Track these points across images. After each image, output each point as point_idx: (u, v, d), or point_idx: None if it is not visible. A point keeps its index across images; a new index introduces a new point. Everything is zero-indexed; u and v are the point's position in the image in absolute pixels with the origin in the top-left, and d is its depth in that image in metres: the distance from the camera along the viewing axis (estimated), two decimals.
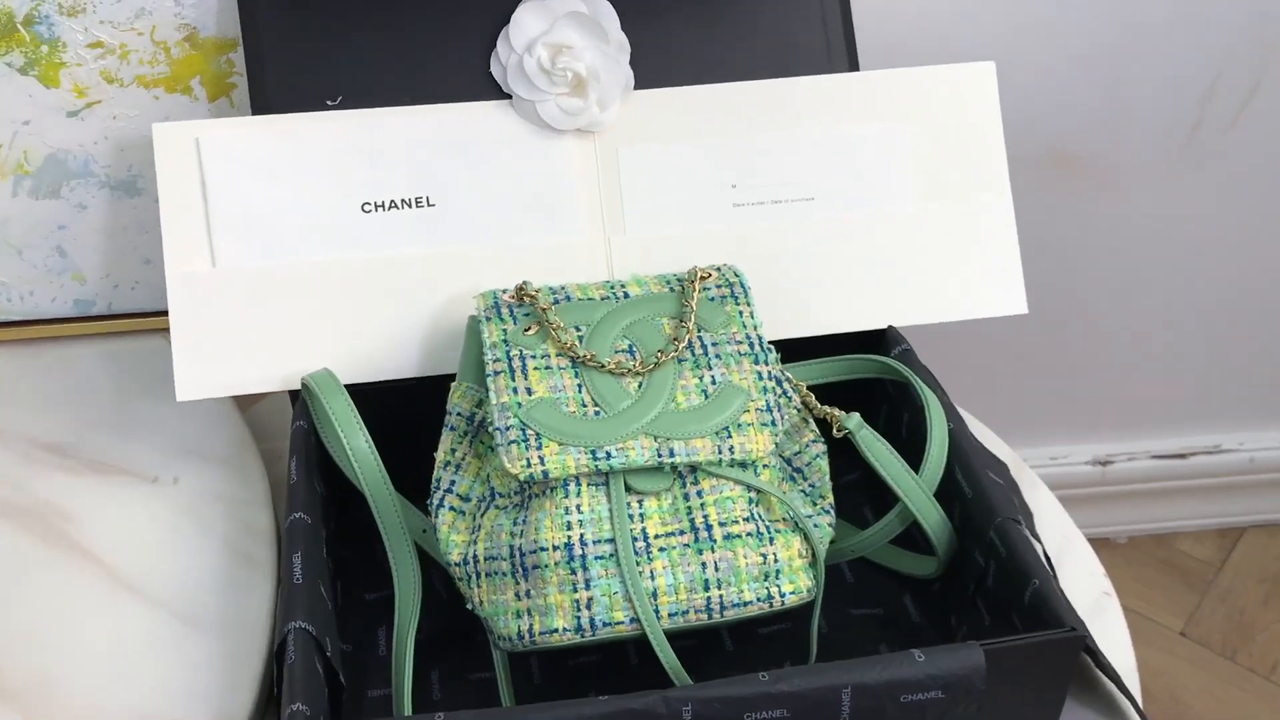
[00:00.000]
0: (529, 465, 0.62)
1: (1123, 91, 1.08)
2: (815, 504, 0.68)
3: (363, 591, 0.75)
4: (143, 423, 0.81)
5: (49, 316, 0.87)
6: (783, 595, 0.62)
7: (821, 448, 0.69)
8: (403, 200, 0.75)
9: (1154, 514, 1.39)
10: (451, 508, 0.66)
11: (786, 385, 0.69)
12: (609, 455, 0.62)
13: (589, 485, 0.62)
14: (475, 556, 0.64)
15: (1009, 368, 1.26)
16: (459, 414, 0.68)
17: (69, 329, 0.87)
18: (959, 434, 0.70)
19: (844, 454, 0.72)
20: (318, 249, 0.74)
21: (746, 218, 0.77)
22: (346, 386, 0.71)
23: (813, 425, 0.70)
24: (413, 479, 0.71)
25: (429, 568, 0.71)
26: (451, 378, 0.70)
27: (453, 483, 0.66)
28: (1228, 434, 1.34)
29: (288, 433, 0.74)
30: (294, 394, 0.74)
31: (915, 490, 0.67)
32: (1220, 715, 1.23)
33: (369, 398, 0.72)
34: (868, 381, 0.78)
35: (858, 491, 0.80)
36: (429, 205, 0.75)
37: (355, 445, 0.68)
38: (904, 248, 0.78)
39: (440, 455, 0.67)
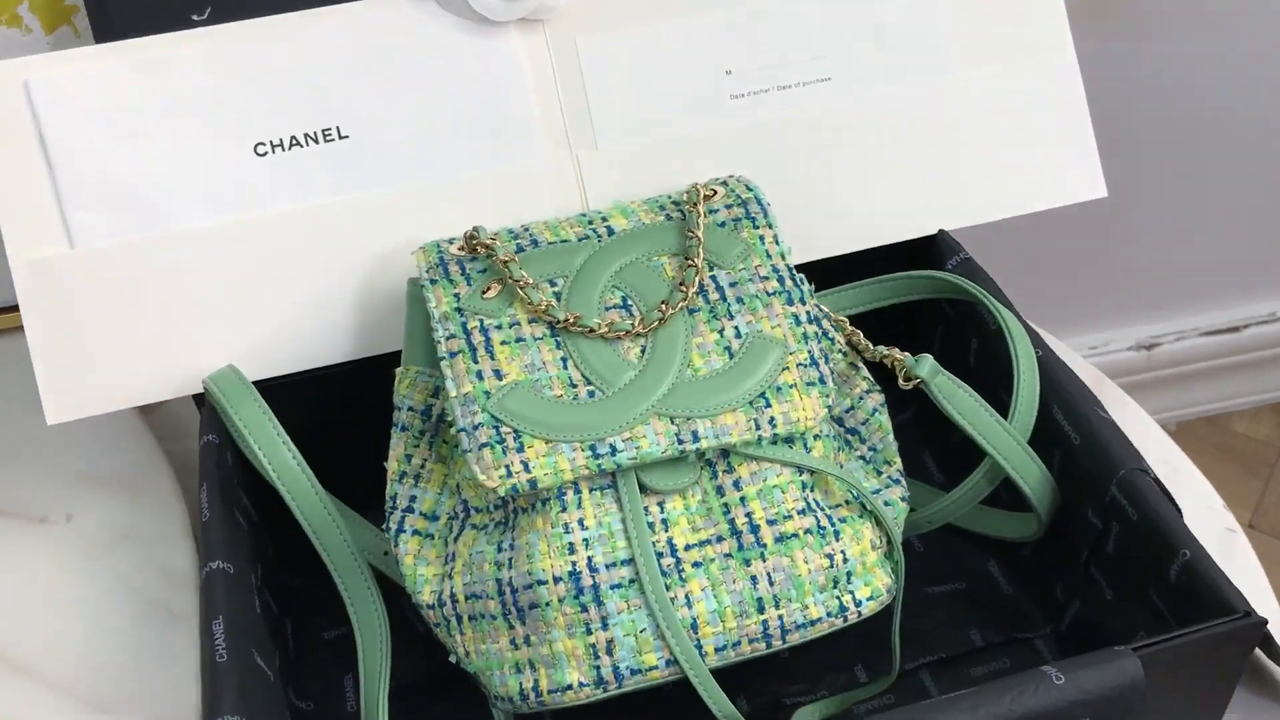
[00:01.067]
0: (509, 474, 0.46)
1: None
2: (880, 473, 0.53)
3: (320, 629, 0.60)
4: (20, 446, 0.65)
5: None
6: (858, 604, 0.48)
7: (879, 399, 0.54)
8: (306, 135, 0.58)
9: (1204, 395, 1.26)
10: (415, 531, 0.51)
11: (827, 324, 0.53)
12: (614, 449, 0.47)
13: (592, 491, 0.47)
14: (453, 595, 0.49)
15: (1037, 249, 1.10)
16: (410, 409, 0.52)
17: None
18: (1051, 363, 0.55)
19: (888, 387, 0.57)
20: (203, 211, 0.57)
21: (748, 112, 0.61)
22: (262, 384, 0.55)
23: (864, 371, 0.55)
24: (361, 488, 0.56)
25: (397, 595, 0.56)
26: (396, 357, 0.54)
27: (413, 499, 0.51)
28: None
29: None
30: (199, 398, 0.58)
31: (1009, 445, 0.52)
32: None
33: (293, 393, 0.57)
34: (911, 306, 0.62)
35: (911, 433, 0.65)
36: (340, 138, 0.58)
37: (278, 462, 0.52)
38: (949, 130, 0.62)
39: (393, 465, 0.52)
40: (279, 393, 0.56)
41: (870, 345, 0.54)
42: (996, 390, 0.55)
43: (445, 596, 0.49)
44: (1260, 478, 1.22)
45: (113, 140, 0.56)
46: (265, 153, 0.57)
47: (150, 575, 0.59)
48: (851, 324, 0.56)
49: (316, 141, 0.58)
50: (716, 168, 0.59)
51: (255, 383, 0.56)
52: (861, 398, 0.54)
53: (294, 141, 0.58)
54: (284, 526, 0.61)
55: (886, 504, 0.51)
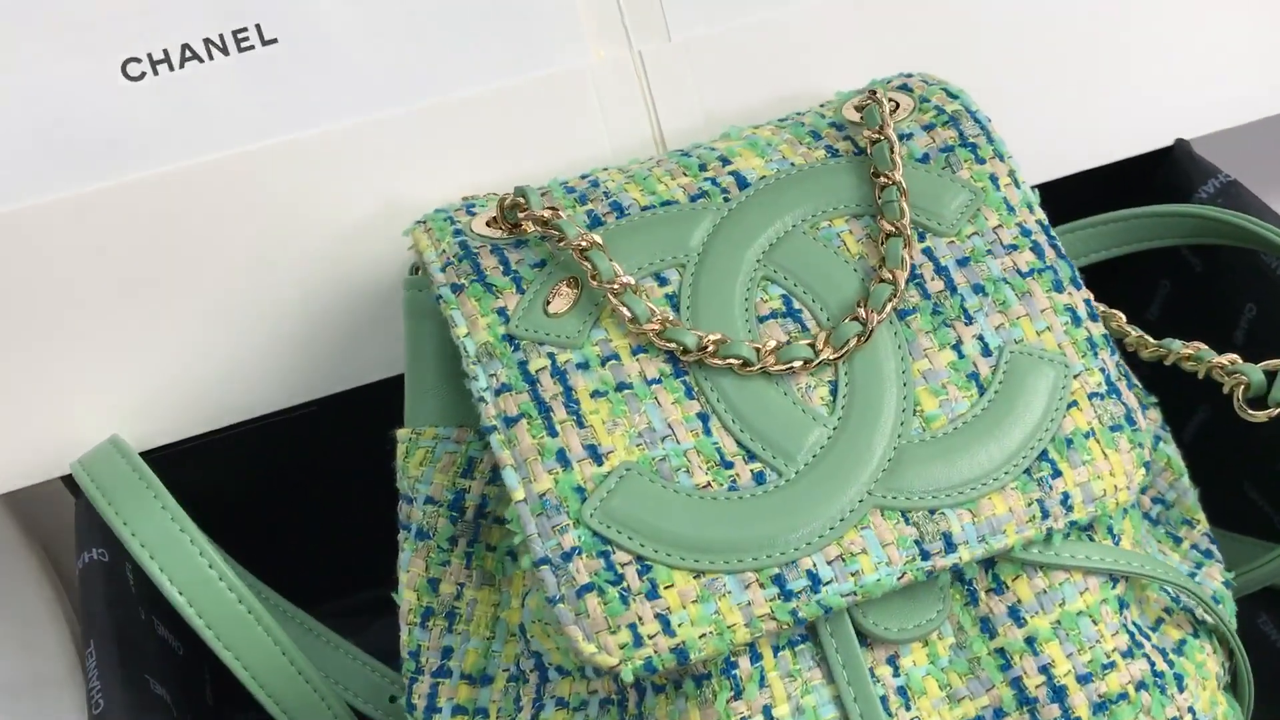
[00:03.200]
0: (637, 641, 0.26)
1: None
2: (1178, 540, 0.33)
3: None
4: None
5: None
6: None
7: (1157, 418, 0.35)
8: (206, 41, 0.35)
9: None
10: (459, 709, 0.30)
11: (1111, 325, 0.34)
12: (815, 578, 0.27)
13: (779, 653, 0.27)
14: None
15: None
16: (430, 500, 0.31)
17: None
18: None
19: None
20: (48, 179, 0.34)
21: None
22: (162, 453, 0.34)
23: (1134, 380, 0.35)
24: (338, 586, 0.36)
25: None
26: (379, 388, 0.33)
27: (448, 653, 0.30)
28: None
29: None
30: (72, 484, 0.36)
31: None
32: None
33: (215, 461, 0.35)
34: (1128, 258, 0.42)
35: (1206, 453, 0.44)
36: (263, 43, 0.36)
37: (190, 581, 0.31)
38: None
39: (408, 598, 0.31)
40: (190, 463, 0.35)
41: (1151, 340, 0.34)
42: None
43: None
44: None
45: None
46: (142, 73, 0.35)
47: None
48: None
49: (224, 51, 0.35)
50: (846, 62, 0.38)
51: (154, 451, 0.34)
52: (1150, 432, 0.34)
53: (189, 54, 0.35)
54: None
55: (1214, 598, 0.32)
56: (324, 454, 0.37)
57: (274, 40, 0.36)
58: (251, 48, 0.36)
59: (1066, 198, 0.41)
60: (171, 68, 0.35)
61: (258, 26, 0.36)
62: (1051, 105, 0.42)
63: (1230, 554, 0.36)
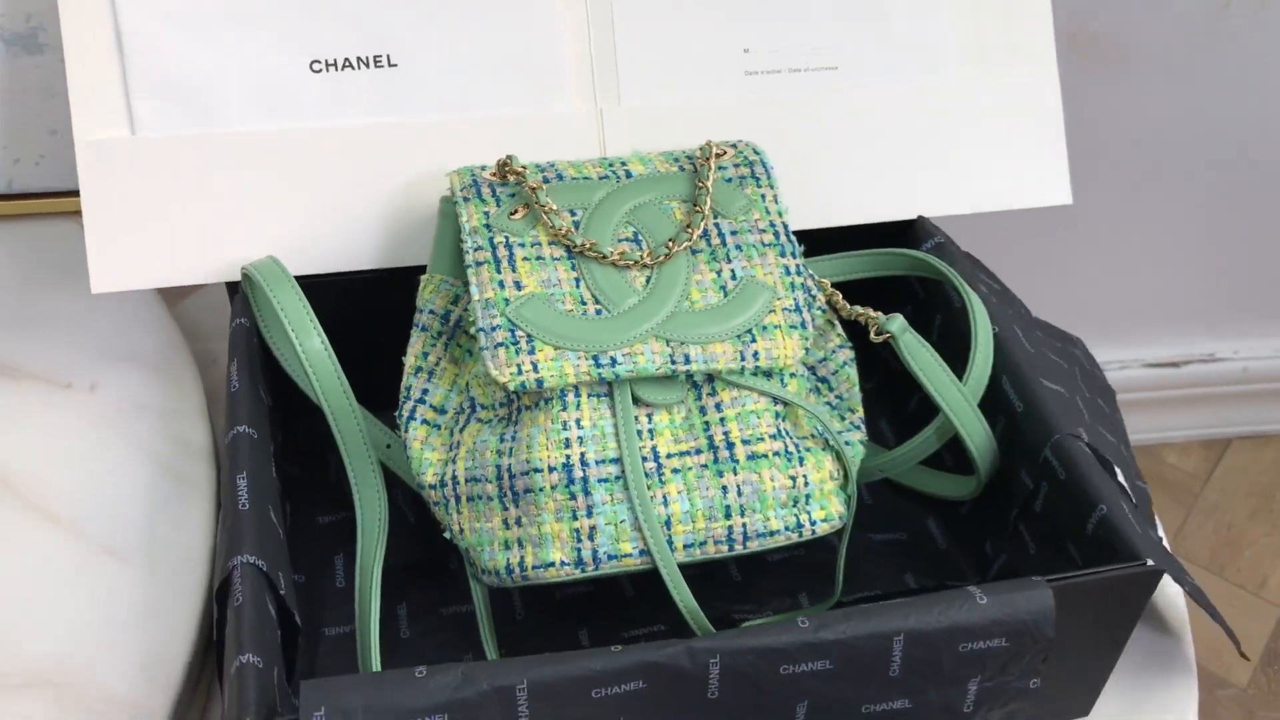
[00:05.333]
0: (520, 372, 0.52)
1: None
2: (843, 418, 0.59)
3: (315, 514, 0.65)
4: (53, 320, 0.70)
5: None
6: (813, 523, 0.54)
7: (849, 354, 0.61)
8: (358, 59, 0.63)
9: (1142, 425, 1.34)
10: (425, 421, 0.56)
11: (810, 282, 0.60)
12: (614, 361, 0.53)
13: (590, 396, 0.53)
14: (454, 478, 0.54)
15: (1002, 263, 1.17)
16: (431, 312, 0.57)
17: None
18: (1008, 337, 0.61)
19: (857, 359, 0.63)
20: (258, 116, 0.62)
21: (760, 88, 0.67)
22: (295, 279, 0.60)
23: (839, 329, 0.61)
24: (373, 389, 0.61)
25: (394, 486, 0.62)
26: (419, 270, 0.60)
27: (425, 392, 0.57)
28: (1223, 342, 1.27)
29: (225, 332, 0.63)
30: (232, 287, 0.63)
31: (961, 403, 0.58)
32: (1208, 631, 1.18)
33: (321, 293, 0.62)
34: (884, 281, 0.69)
35: (873, 402, 0.71)
36: (389, 65, 0.63)
37: (309, 347, 0.57)
38: (937, 126, 0.69)
39: (410, 360, 0.57)
40: (307, 290, 0.61)
41: (848, 305, 0.61)
42: (954, 366, 0.61)
43: (447, 478, 0.54)
44: (1184, 506, 1.30)
45: (182, 41, 0.61)
46: (320, 70, 0.63)
47: (166, 444, 0.64)
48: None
49: (367, 66, 0.63)
50: (725, 134, 0.66)
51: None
52: (834, 351, 0.60)
53: (346, 63, 0.63)
54: (290, 418, 0.67)
55: (846, 443, 0.57)
56: (383, 300, 0.64)
57: (395, 65, 0.64)
58: (382, 66, 0.64)
59: (859, 238, 0.68)
60: (338, 70, 0.63)
61: (388, 55, 0.63)
62: (851, 183, 0.68)
63: (869, 449, 0.62)
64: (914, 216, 0.68)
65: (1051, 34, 0.70)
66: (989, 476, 0.61)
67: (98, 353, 0.68)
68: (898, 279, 0.68)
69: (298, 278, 0.61)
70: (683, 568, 0.53)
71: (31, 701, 0.52)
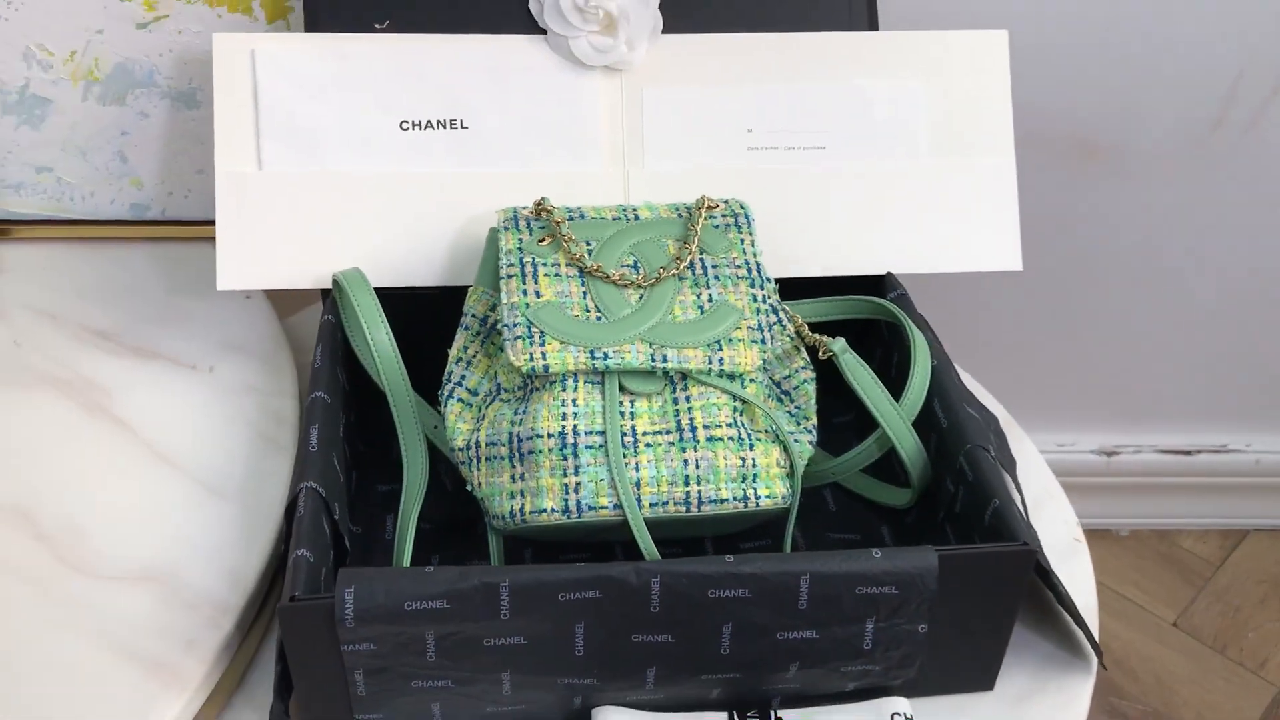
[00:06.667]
0: (531, 359, 0.67)
1: (1145, 83, 1.11)
2: (799, 424, 0.72)
3: (375, 483, 0.80)
4: (186, 317, 0.87)
5: (108, 218, 0.93)
6: (758, 498, 0.67)
7: (810, 374, 0.74)
8: (438, 121, 0.80)
9: (1157, 509, 1.42)
10: (460, 399, 0.71)
11: (782, 314, 0.73)
12: (606, 356, 0.67)
13: (586, 382, 0.67)
14: (478, 443, 0.69)
15: (1022, 351, 1.29)
16: (473, 315, 0.73)
17: (125, 230, 0.93)
18: (943, 372, 0.74)
19: (839, 395, 0.76)
20: (356, 160, 0.79)
21: (760, 161, 0.82)
22: (374, 287, 0.76)
23: (804, 354, 0.74)
24: (429, 382, 0.77)
25: (437, 463, 0.77)
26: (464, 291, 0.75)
27: (463, 377, 0.71)
28: (1235, 434, 1.36)
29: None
30: (325, 294, 0.79)
31: (893, 416, 0.71)
32: (1205, 704, 1.25)
33: (394, 301, 0.77)
34: (863, 324, 0.82)
35: (849, 432, 0.84)
36: (462, 128, 0.80)
37: (376, 338, 0.73)
38: (908, 200, 0.82)
39: (454, 352, 0.72)
40: (382, 298, 0.77)
41: (810, 333, 0.74)
42: (903, 391, 0.74)
43: (472, 443, 0.69)
44: (1194, 587, 1.38)
45: (303, 99, 0.79)
46: (407, 128, 0.80)
47: (265, 416, 0.80)
48: (811, 330, 0.76)
49: (445, 128, 0.80)
50: (727, 194, 0.80)
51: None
52: (797, 370, 0.74)
53: (428, 124, 0.80)
54: (363, 405, 0.82)
55: (796, 441, 0.70)
56: (441, 311, 0.79)
57: (467, 128, 0.80)
58: (457, 129, 0.80)
59: (832, 286, 0.82)
60: (421, 129, 0.80)
61: (460, 120, 0.80)
62: (832, 241, 0.82)
63: (825, 459, 0.75)
64: (884, 272, 0.82)
65: (1011, 130, 0.83)
66: (922, 486, 0.73)
67: (219, 343, 0.85)
68: (872, 325, 0.81)
69: (377, 288, 0.77)
70: (660, 542, 0.66)
71: (141, 593, 0.68)
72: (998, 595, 0.65)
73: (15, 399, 0.79)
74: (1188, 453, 1.36)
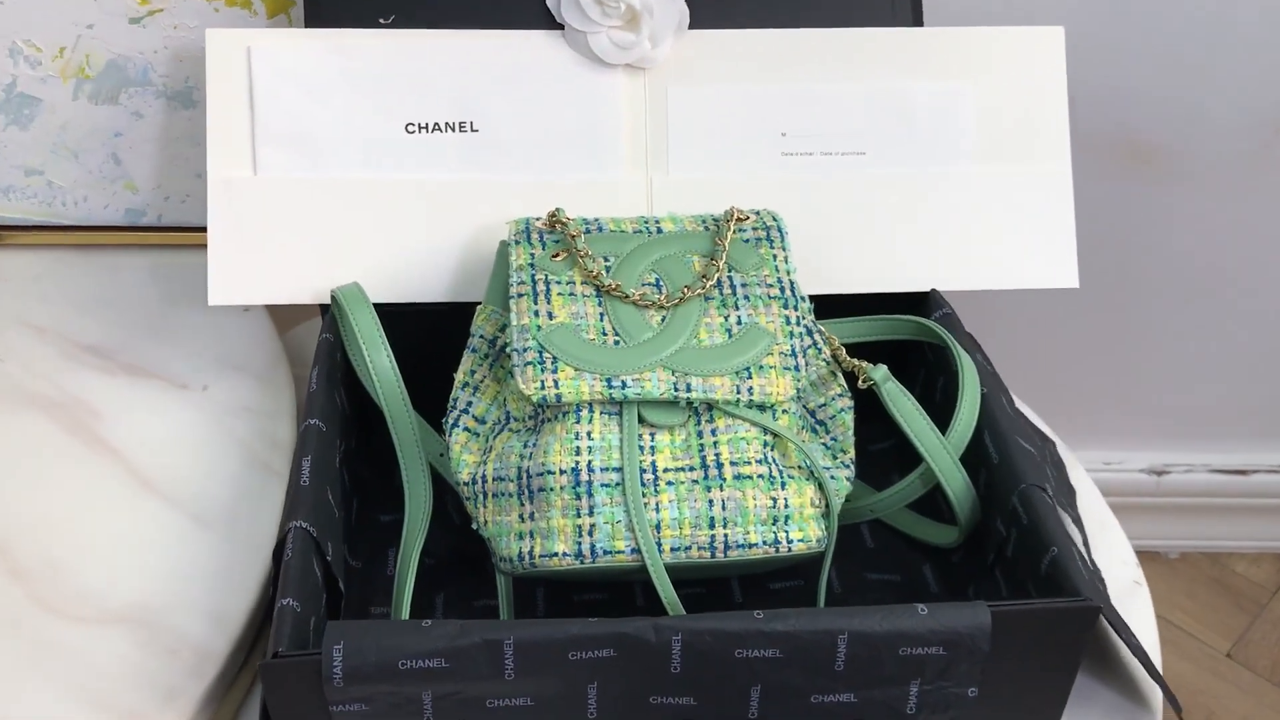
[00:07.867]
0: (543, 387, 0.61)
1: (1204, 83, 1.04)
2: (835, 458, 0.66)
3: (378, 513, 0.74)
4: (180, 332, 0.82)
5: (101, 224, 0.88)
6: (790, 542, 0.61)
7: (848, 402, 0.68)
8: (446, 124, 0.74)
9: (1208, 531, 1.35)
10: (466, 428, 0.65)
11: (817, 336, 0.67)
12: (624, 385, 0.61)
13: (602, 413, 0.61)
14: (484, 476, 0.63)
15: (1068, 366, 1.22)
16: (481, 336, 0.67)
17: (118, 237, 0.88)
18: (993, 400, 0.68)
19: (877, 419, 0.70)
20: (359, 165, 0.73)
21: (794, 168, 0.76)
22: (375, 306, 0.71)
23: (841, 379, 0.68)
24: (434, 404, 0.71)
25: (443, 492, 0.71)
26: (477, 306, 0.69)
27: (469, 404, 0.66)
28: None
29: None
30: (324, 309, 0.74)
31: (939, 450, 0.65)
32: None
33: (396, 319, 0.72)
34: (905, 346, 0.76)
35: (888, 460, 0.78)
36: (472, 131, 0.74)
37: (376, 360, 0.67)
38: (955, 210, 0.76)
39: (460, 376, 0.67)
40: (384, 316, 0.72)
41: (848, 358, 0.68)
42: (950, 421, 0.68)
43: (478, 477, 0.63)
44: (1249, 614, 1.31)
45: (302, 100, 0.73)
46: (413, 131, 0.74)
47: (258, 440, 0.74)
48: (848, 351, 0.70)
49: (454, 130, 0.74)
50: (759, 204, 0.74)
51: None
52: (834, 399, 0.67)
53: (436, 127, 0.74)
54: (365, 427, 0.77)
55: (832, 478, 0.64)
56: (446, 330, 0.74)
57: (478, 131, 0.75)
58: (467, 132, 0.75)
59: (871, 304, 0.75)
60: (428, 132, 0.74)
61: (470, 122, 0.74)
62: (872, 256, 0.76)
63: (863, 491, 0.68)
64: (928, 289, 0.76)
65: (1067, 135, 0.77)
66: (970, 525, 0.67)
67: (215, 360, 0.80)
68: (915, 346, 0.75)
69: (379, 305, 0.72)
70: (682, 584, 0.60)
71: (119, 637, 0.62)
72: (1057, 655, 0.59)
73: None
74: (1242, 472, 1.29)
